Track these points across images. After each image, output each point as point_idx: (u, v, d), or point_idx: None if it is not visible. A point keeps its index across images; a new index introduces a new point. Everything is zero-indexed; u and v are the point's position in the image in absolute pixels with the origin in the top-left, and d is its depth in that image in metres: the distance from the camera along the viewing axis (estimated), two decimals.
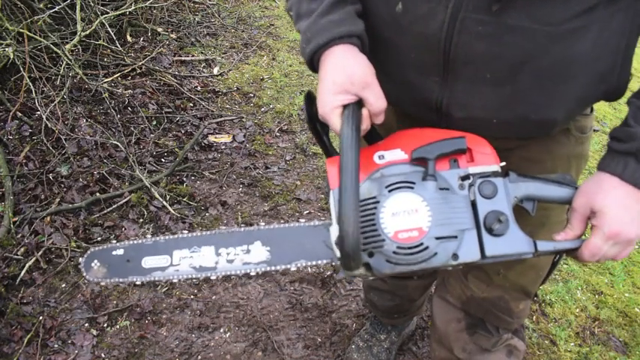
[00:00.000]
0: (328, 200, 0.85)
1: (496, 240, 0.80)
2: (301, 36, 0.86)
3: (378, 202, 0.80)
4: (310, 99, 0.87)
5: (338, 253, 0.79)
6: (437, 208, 0.79)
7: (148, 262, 0.93)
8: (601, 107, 3.96)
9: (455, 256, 0.79)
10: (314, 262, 0.90)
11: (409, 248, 0.78)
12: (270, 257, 0.91)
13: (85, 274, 0.95)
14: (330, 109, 0.81)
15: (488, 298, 1.14)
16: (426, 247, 0.78)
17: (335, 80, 0.80)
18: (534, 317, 2.04)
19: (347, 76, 0.79)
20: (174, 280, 1.02)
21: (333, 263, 0.88)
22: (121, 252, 0.95)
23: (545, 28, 0.75)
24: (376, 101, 0.81)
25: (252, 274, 0.92)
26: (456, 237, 0.79)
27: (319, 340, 1.84)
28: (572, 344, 1.95)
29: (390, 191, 0.80)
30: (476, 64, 0.81)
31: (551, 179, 0.85)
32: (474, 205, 0.81)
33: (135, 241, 0.95)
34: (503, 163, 0.84)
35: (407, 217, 0.79)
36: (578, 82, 0.83)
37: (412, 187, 0.80)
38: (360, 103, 0.81)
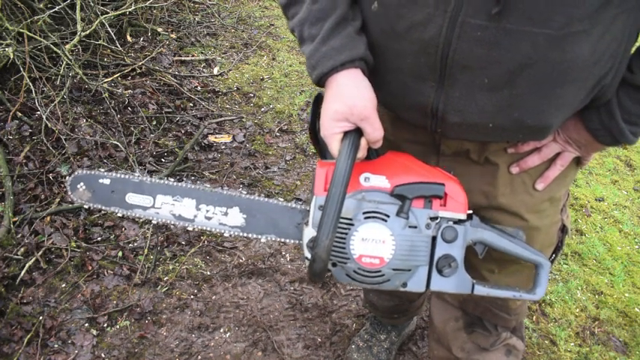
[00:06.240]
0: (309, 199, 0.91)
1: (442, 279, 0.90)
2: (306, 60, 0.89)
3: (352, 224, 0.87)
4: (318, 102, 0.92)
5: (306, 254, 0.89)
6: (401, 244, 0.86)
7: (131, 198, 0.98)
8: None
9: (404, 284, 0.89)
10: (283, 240, 0.98)
11: (368, 272, 0.88)
12: (245, 224, 0.98)
13: (70, 193, 0.98)
14: (331, 134, 0.86)
15: (486, 296, 1.14)
16: (383, 275, 0.88)
17: (337, 109, 0.84)
18: (534, 317, 2.04)
19: (348, 107, 0.83)
20: (154, 222, 1.08)
21: (299, 242, 0.96)
22: (107, 182, 0.98)
23: (545, 31, 0.74)
24: (373, 132, 0.85)
25: (226, 235, 0.99)
26: (410, 270, 0.88)
27: (319, 340, 1.84)
28: (572, 344, 1.95)
29: (365, 218, 0.87)
30: (474, 69, 0.80)
31: (507, 232, 0.94)
32: (433, 241, 0.89)
33: (122, 175, 0.99)
34: (470, 211, 0.91)
35: (374, 245, 0.86)
36: (576, 87, 0.82)
37: (385, 220, 0.86)
38: (359, 131, 0.86)
